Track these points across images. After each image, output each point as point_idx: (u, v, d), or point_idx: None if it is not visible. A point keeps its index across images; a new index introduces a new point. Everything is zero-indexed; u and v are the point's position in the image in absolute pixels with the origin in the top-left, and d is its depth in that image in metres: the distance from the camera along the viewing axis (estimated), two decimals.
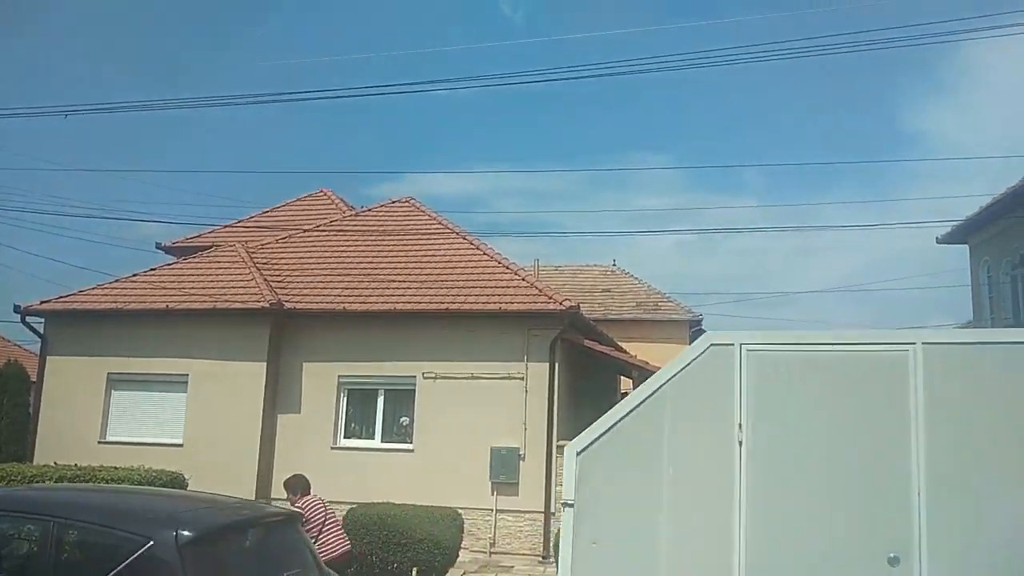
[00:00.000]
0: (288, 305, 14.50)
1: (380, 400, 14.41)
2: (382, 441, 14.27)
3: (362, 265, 15.85)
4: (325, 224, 17.94)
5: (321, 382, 14.38)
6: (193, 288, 15.03)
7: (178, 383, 14.53)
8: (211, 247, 17.33)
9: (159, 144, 57.22)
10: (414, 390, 14.03)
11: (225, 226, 19.78)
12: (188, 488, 12.18)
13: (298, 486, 8.38)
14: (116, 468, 11.53)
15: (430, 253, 16.09)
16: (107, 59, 59.81)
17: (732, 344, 5.21)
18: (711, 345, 5.28)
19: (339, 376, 14.35)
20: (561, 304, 13.78)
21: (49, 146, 52.06)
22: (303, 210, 20.41)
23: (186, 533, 4.47)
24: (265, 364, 14.27)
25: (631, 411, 5.32)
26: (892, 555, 4.70)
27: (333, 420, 14.29)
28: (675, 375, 5.29)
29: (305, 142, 60.83)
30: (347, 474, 13.33)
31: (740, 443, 5.04)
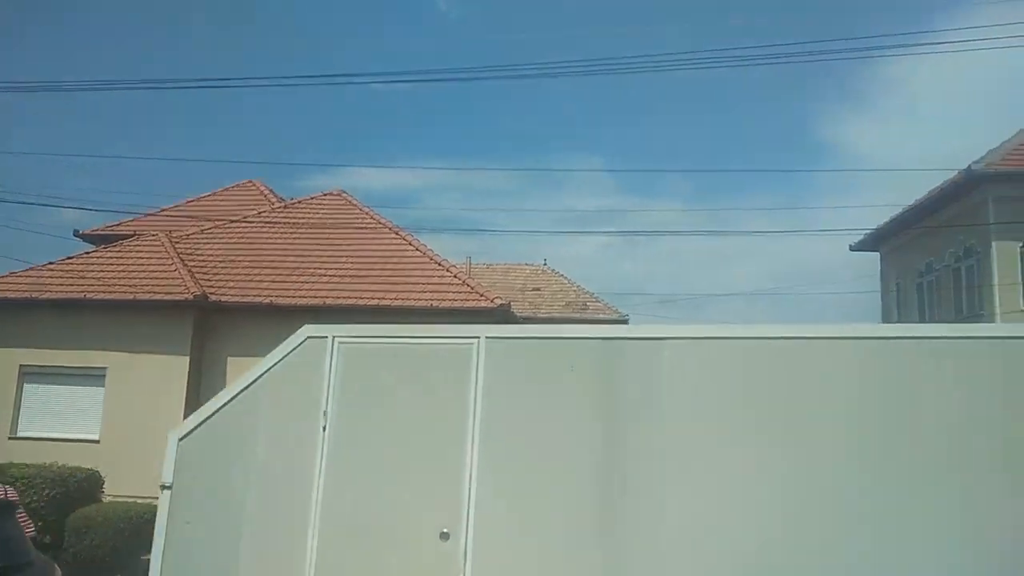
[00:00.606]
0: (213, 297, 14.20)
1: None
2: None
3: (291, 258, 15.63)
4: (253, 215, 17.60)
5: None
6: (113, 278, 14.56)
7: (95, 376, 14.06)
8: (133, 236, 16.79)
9: (79, 127, 54.87)
10: None
11: (148, 214, 19.19)
12: (104, 486, 11.84)
13: None
14: (27, 465, 11.13)
15: (361, 248, 15.98)
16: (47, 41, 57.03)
17: (326, 336, 5.62)
18: (307, 338, 5.66)
19: None
20: (492, 301, 13.90)
21: None
22: (230, 200, 19.95)
23: None
24: (188, 358, 13.94)
25: (232, 399, 5.66)
26: (444, 530, 5.13)
27: None
28: (274, 365, 5.65)
29: (233, 131, 59.26)
30: None
31: (324, 428, 5.46)
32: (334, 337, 5.61)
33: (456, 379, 5.37)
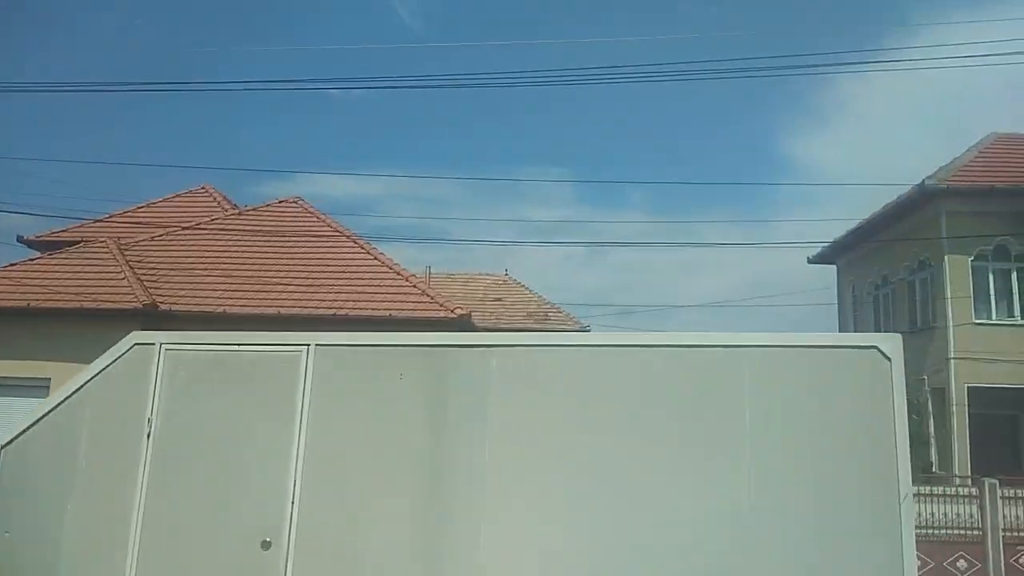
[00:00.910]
0: (163, 306, 13.76)
1: None
2: None
3: (245, 266, 15.25)
4: (206, 222, 17.15)
5: None
6: (58, 285, 14.03)
7: (38, 387, 13.44)
8: (80, 242, 16.21)
9: (24, 128, 53.40)
10: None
11: (96, 220, 18.60)
12: None
13: None
14: None
15: (318, 256, 15.67)
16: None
17: (154, 343, 5.57)
18: (135, 344, 5.60)
19: None
20: (452, 312, 13.72)
21: None
22: (183, 207, 19.45)
23: None
24: None
25: (57, 406, 5.58)
26: (266, 540, 5.08)
27: None
28: (100, 372, 5.58)
29: (187, 135, 58.17)
30: None
31: (148, 435, 5.37)
32: (161, 344, 5.53)
33: (284, 387, 5.30)
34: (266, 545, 5.05)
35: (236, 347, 5.52)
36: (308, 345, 5.38)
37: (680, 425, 4.91)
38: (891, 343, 4.82)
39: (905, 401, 4.73)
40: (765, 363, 4.93)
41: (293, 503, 5.10)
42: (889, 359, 4.75)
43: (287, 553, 5.04)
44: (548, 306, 26.62)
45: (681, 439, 4.89)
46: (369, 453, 5.17)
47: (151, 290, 14.10)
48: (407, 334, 5.62)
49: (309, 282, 14.57)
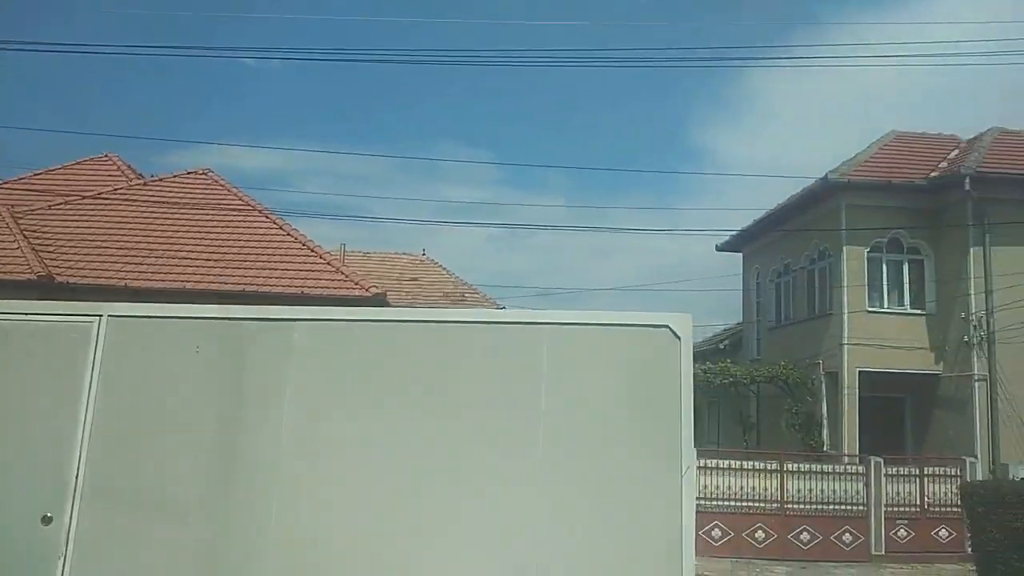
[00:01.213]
0: (60, 279, 13.11)
1: None
2: None
3: (149, 239, 14.65)
4: (109, 191, 16.40)
5: None
6: None
7: None
8: None
9: None
10: None
11: None
12: None
13: None
14: None
15: (227, 230, 15.21)
16: None
17: None
18: None
19: None
20: (367, 290, 13.57)
21: None
22: (84, 175, 18.50)
23: None
24: None
25: None
26: (47, 515, 5.02)
27: None
28: None
29: (90, 103, 55.27)
30: None
31: None
32: None
33: (73, 359, 5.14)
34: (47, 520, 4.91)
35: (23, 316, 5.30)
36: (100, 316, 5.19)
37: (478, 401, 4.92)
38: (682, 322, 4.88)
39: (692, 378, 4.84)
40: (562, 340, 4.97)
41: (77, 477, 4.96)
42: (679, 338, 4.82)
43: (69, 528, 4.92)
44: (465, 287, 26.65)
45: (478, 415, 4.90)
46: (161, 427, 5.05)
47: (47, 261, 13.42)
48: (205, 306, 5.53)
49: (217, 257, 14.16)
